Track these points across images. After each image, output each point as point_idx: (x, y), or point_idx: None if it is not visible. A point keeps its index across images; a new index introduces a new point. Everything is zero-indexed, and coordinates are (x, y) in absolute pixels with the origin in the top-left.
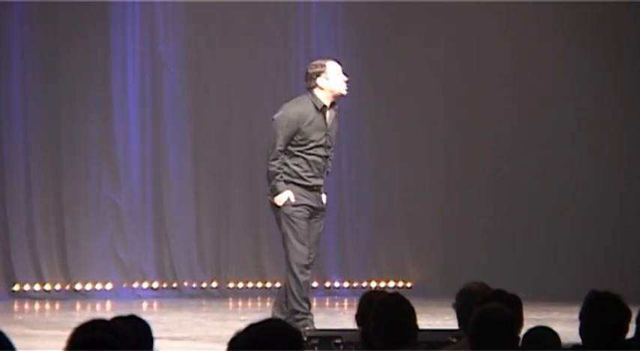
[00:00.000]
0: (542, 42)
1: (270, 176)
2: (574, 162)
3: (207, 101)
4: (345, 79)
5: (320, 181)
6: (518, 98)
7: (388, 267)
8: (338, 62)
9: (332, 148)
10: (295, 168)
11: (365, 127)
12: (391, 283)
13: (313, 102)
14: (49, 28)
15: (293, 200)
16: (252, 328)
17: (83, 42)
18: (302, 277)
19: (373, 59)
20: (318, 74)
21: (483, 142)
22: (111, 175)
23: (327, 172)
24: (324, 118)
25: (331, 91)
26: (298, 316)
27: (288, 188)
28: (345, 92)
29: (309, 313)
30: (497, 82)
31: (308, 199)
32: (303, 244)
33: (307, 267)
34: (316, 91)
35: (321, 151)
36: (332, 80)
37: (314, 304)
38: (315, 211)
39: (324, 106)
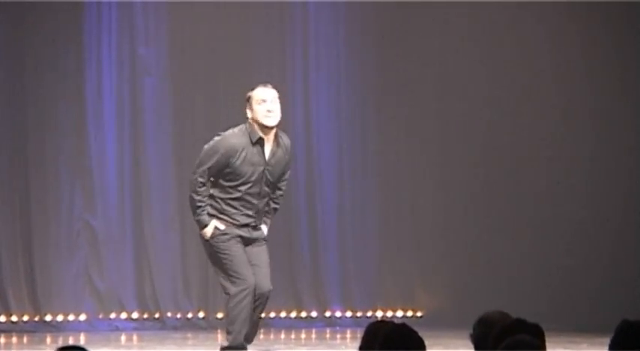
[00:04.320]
0: (559, 44)
1: (193, 209)
2: (601, 185)
3: (193, 110)
4: (268, 108)
5: (250, 220)
6: (550, 108)
7: (395, 294)
8: (274, 88)
9: (274, 185)
10: (222, 205)
11: (369, 145)
12: (399, 313)
13: (249, 134)
14: (13, 30)
15: (222, 227)
16: None
17: (53, 43)
18: (238, 310)
19: (377, 65)
20: (246, 104)
21: (500, 158)
22: (85, 193)
23: (274, 209)
24: (262, 151)
25: (256, 122)
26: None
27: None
28: (267, 123)
29: (244, 348)
30: (520, 88)
31: (237, 230)
32: (245, 271)
33: (251, 295)
34: (250, 121)
35: (254, 189)
36: (254, 111)
37: (312, 335)
38: (248, 240)
39: (260, 138)
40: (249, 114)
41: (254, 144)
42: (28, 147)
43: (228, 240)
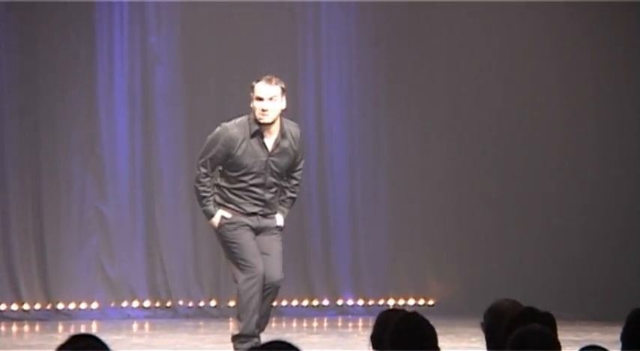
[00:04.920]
0: (568, 44)
1: (198, 199)
2: (610, 173)
3: (205, 99)
4: (263, 107)
5: (257, 209)
6: (559, 104)
7: (407, 283)
8: (277, 82)
9: (281, 176)
10: (228, 194)
11: (381, 132)
12: (411, 301)
13: (249, 125)
14: (25, 16)
15: (228, 216)
16: None
17: (65, 31)
18: (248, 299)
19: (389, 64)
20: (250, 92)
21: (511, 149)
22: (96, 180)
23: (291, 199)
24: (263, 142)
25: (254, 115)
26: (242, 339)
27: (220, 208)
28: (260, 120)
29: (256, 336)
30: (530, 84)
31: (245, 218)
32: (253, 258)
33: (260, 283)
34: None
35: (258, 180)
36: (252, 104)
37: (324, 324)
38: (258, 229)
39: (257, 130)
40: (251, 104)
41: (252, 136)
42: (39, 135)
43: (236, 229)
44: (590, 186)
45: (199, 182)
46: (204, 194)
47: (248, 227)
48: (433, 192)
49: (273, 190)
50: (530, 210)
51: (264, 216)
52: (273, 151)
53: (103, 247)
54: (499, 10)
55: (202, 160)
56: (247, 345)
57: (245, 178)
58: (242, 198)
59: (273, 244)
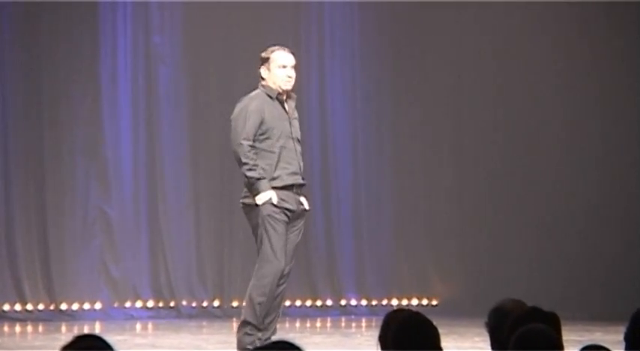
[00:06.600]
0: (571, 44)
1: (250, 176)
2: (612, 173)
3: (208, 99)
4: (288, 74)
5: (299, 180)
6: (565, 102)
7: (411, 282)
8: (292, 53)
9: (299, 142)
10: (268, 168)
11: (384, 129)
12: (414, 301)
13: (266, 92)
14: (30, 16)
15: (275, 201)
16: None
17: (68, 32)
18: (269, 288)
19: (392, 63)
20: (263, 63)
21: (515, 149)
22: (100, 181)
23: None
24: (283, 106)
25: (273, 84)
26: (248, 330)
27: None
28: (284, 87)
29: (260, 330)
30: (531, 83)
31: (287, 202)
32: (278, 253)
33: (277, 279)
34: (265, 83)
35: (290, 144)
36: (273, 72)
37: (327, 324)
38: (293, 218)
39: (279, 93)
40: (264, 74)
41: (273, 99)
42: (43, 135)
43: (279, 212)
44: (593, 185)
45: (247, 156)
46: (254, 167)
47: (290, 213)
48: (437, 192)
49: (300, 157)
50: (533, 210)
51: (299, 194)
52: (291, 114)
53: (107, 248)
54: (502, 10)
55: (243, 134)
56: (251, 339)
57: (280, 143)
58: (283, 168)
59: (292, 239)
